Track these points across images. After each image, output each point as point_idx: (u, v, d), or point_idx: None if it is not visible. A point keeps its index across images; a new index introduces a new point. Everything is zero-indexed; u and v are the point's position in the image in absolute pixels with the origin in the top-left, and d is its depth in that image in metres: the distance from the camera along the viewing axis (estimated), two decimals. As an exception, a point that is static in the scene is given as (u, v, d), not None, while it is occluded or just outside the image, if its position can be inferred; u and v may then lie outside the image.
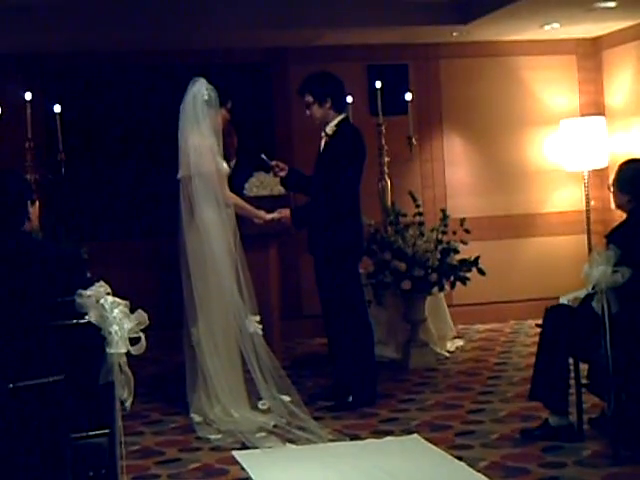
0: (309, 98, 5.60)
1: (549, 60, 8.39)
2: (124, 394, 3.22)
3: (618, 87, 8.17)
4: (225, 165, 5.48)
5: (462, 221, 6.63)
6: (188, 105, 5.38)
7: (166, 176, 5.71)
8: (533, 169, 8.37)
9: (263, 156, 5.79)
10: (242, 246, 5.37)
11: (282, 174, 5.84)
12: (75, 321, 3.26)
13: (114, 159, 7.80)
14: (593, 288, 4.37)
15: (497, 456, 4.50)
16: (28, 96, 6.60)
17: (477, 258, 6.56)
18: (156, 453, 4.86)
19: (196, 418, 5.23)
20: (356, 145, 5.60)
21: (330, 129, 5.58)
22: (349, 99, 6.77)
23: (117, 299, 3.29)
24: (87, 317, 3.23)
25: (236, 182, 5.97)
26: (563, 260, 8.14)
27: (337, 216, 5.51)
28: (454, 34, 7.81)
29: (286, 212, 5.64)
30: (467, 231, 6.61)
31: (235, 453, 4.77)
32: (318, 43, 7.84)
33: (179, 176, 5.42)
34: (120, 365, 3.21)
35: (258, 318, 5.29)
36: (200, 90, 5.39)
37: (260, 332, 5.27)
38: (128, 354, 3.28)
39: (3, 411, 2.85)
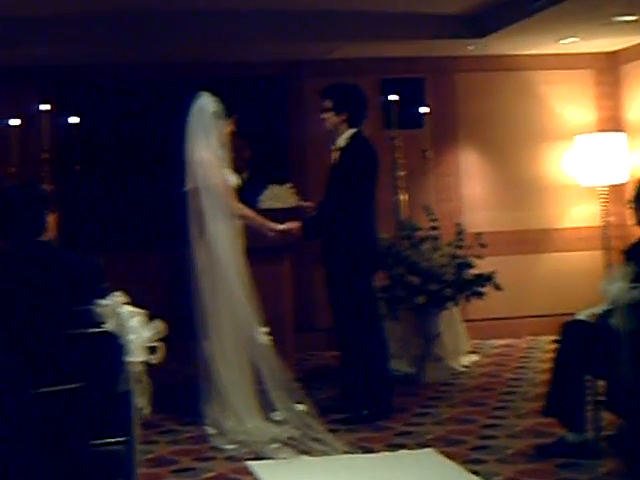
0: (328, 104, 5.61)
1: (566, 74, 8.37)
2: (142, 402, 3.22)
3: (639, 102, 8.13)
4: (233, 177, 5.49)
5: (478, 236, 6.61)
6: (194, 118, 5.41)
7: (182, 187, 5.72)
8: (549, 184, 8.34)
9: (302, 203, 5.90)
10: (250, 258, 5.37)
11: (313, 213, 5.85)
12: (94, 330, 3.26)
13: (130, 170, 7.82)
14: (611, 304, 4.35)
15: (512, 471, 4.46)
16: (45, 107, 6.62)
17: (493, 273, 6.53)
18: (171, 462, 4.88)
19: (210, 430, 5.24)
20: (367, 158, 5.59)
21: (341, 142, 5.59)
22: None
23: (135, 308, 3.30)
24: (105, 326, 3.24)
25: (249, 194, 5.98)
26: (579, 276, 8.10)
27: (349, 229, 5.50)
28: (470, 48, 7.80)
29: (296, 224, 5.64)
30: (483, 246, 6.59)
31: (249, 463, 4.77)
32: (333, 56, 7.85)
33: (186, 189, 5.43)
34: (138, 374, 3.21)
35: (266, 330, 5.30)
36: (206, 103, 5.43)
37: (268, 344, 5.27)
38: (146, 363, 3.28)
39: (25, 417, 2.85)
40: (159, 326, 3.29)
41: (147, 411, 3.26)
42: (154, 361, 3.27)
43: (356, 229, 5.54)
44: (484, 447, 4.91)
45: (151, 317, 3.35)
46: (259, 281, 5.41)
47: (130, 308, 3.29)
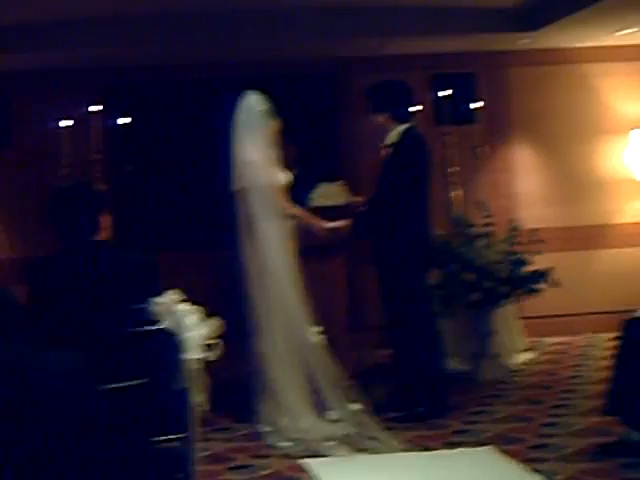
0: (370, 105, 5.61)
1: (623, 67, 8.17)
2: (199, 399, 3.21)
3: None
4: (282, 176, 5.46)
5: (533, 232, 6.50)
6: (242, 117, 5.40)
7: (232, 187, 5.71)
8: (606, 179, 8.17)
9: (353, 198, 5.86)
10: (303, 257, 5.35)
11: (361, 210, 5.81)
12: (151, 327, 3.26)
13: (181, 170, 7.84)
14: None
15: (573, 471, 4.38)
16: (96, 108, 6.64)
17: (549, 269, 6.42)
18: (227, 459, 4.90)
19: (264, 428, 5.24)
20: (419, 153, 5.52)
21: (392, 138, 5.53)
22: (415, 108, 6.70)
23: (192, 306, 3.29)
24: (163, 324, 3.23)
25: (298, 193, 5.95)
26: (637, 272, 7.94)
27: (401, 225, 5.43)
28: (523, 41, 7.68)
29: (345, 222, 5.59)
30: (538, 242, 6.47)
31: (305, 461, 4.76)
32: (383, 52, 7.79)
33: (235, 188, 5.41)
34: (195, 371, 3.20)
35: (318, 329, 5.26)
36: (254, 102, 5.41)
37: (321, 343, 5.24)
38: (203, 360, 3.27)
39: (88, 414, 2.85)
40: (216, 323, 3.27)
41: (205, 408, 3.25)
42: (211, 358, 3.25)
43: (409, 226, 5.47)
44: (544, 445, 4.82)
45: (208, 315, 3.34)
46: (311, 280, 5.39)
47: (186, 306, 3.28)
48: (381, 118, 5.56)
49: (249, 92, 5.48)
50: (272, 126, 5.46)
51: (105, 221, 3.70)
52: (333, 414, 5.17)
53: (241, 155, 5.39)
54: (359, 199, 5.91)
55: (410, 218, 5.48)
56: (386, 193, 5.49)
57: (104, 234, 3.70)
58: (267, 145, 5.41)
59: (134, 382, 2.93)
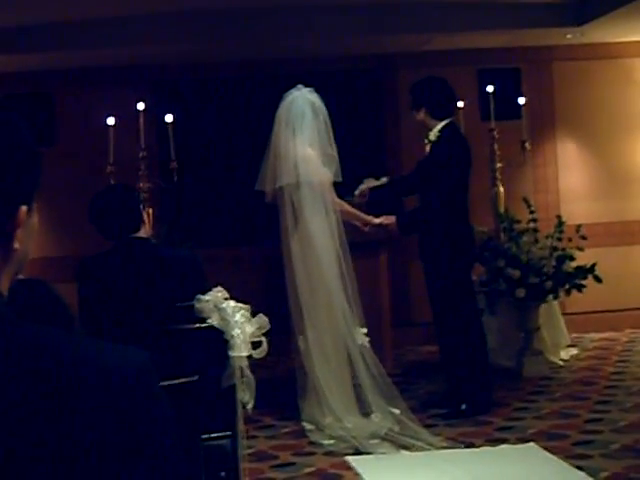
0: (410, 102, 5.63)
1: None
2: (246, 397, 3.24)
3: None
4: (332, 172, 5.44)
5: (578, 227, 6.47)
6: (292, 112, 5.37)
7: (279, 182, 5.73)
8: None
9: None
10: (351, 254, 5.33)
11: (362, 200, 5.78)
12: (197, 325, 3.29)
13: (225, 167, 7.89)
14: None
15: (619, 467, 4.36)
16: (141, 106, 6.69)
17: (593, 265, 6.38)
18: (270, 457, 4.91)
19: (307, 426, 5.23)
20: (457, 151, 5.50)
21: (432, 136, 5.53)
22: (460, 104, 6.69)
23: (239, 303, 3.31)
24: (209, 321, 3.27)
25: (344, 189, 5.95)
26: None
27: (443, 222, 5.42)
28: (568, 36, 7.62)
29: (392, 219, 5.60)
30: (583, 237, 6.44)
31: (349, 458, 4.77)
32: (428, 48, 7.77)
33: (281, 184, 5.37)
34: (242, 368, 3.23)
35: (365, 330, 5.24)
36: (310, 97, 5.40)
37: (367, 344, 5.22)
38: (250, 358, 3.29)
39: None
40: (263, 320, 3.30)
41: (251, 406, 3.28)
42: (258, 356, 3.27)
43: (450, 222, 5.45)
44: (588, 442, 4.80)
45: (253, 312, 3.36)
46: (356, 276, 5.37)
47: (233, 303, 3.31)
48: (418, 115, 5.57)
49: (304, 88, 5.45)
50: (326, 122, 5.44)
51: (148, 218, 3.73)
52: (377, 416, 5.13)
53: (292, 150, 5.35)
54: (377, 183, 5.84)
55: (451, 214, 5.47)
56: (428, 191, 5.49)
57: (147, 231, 3.73)
58: (321, 141, 5.39)
59: (181, 380, 2.97)
